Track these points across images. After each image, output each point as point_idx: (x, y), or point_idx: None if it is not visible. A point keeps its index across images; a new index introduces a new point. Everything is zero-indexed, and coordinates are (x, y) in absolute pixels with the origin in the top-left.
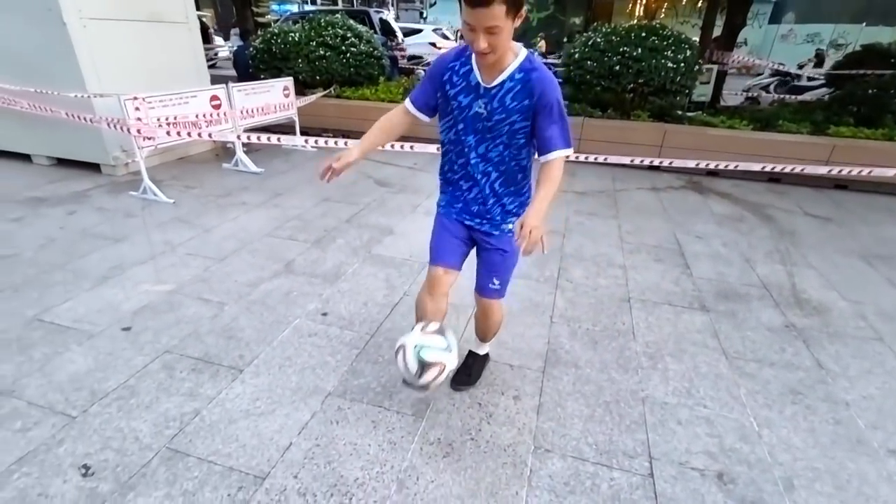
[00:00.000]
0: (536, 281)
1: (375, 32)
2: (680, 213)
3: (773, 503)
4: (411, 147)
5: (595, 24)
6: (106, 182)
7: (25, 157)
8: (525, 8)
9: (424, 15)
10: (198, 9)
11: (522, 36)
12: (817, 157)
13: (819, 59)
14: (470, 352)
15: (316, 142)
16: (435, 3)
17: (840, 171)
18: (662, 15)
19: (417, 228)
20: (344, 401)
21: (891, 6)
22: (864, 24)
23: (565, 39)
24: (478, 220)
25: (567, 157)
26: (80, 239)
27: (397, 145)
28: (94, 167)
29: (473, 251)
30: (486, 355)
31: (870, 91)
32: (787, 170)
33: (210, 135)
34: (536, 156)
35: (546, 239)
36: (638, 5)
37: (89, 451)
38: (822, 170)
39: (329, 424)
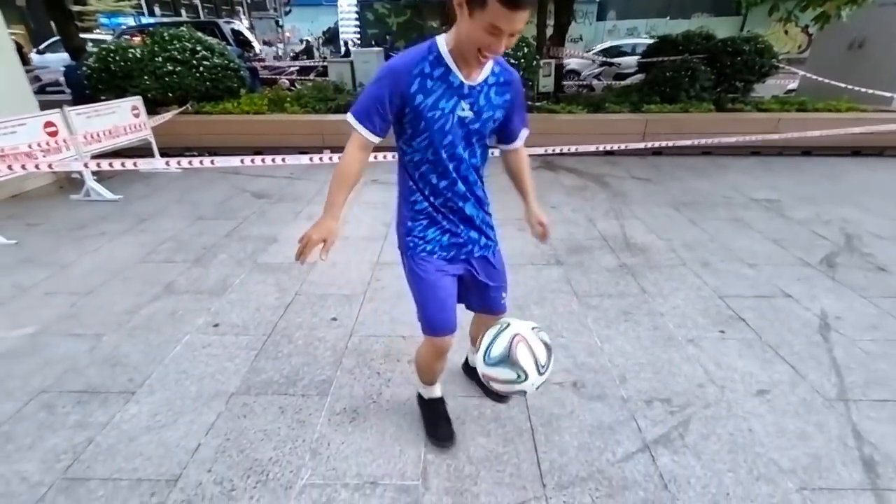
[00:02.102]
0: None
1: (229, 44)
2: (537, 189)
3: (612, 394)
4: (283, 160)
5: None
6: None
7: None
8: None
9: (280, 23)
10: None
11: (384, 39)
12: (636, 130)
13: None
14: (469, 367)
15: (179, 163)
16: (290, 10)
17: (653, 144)
18: None
19: (300, 234)
20: (249, 397)
21: (684, 2)
22: (668, 17)
23: None
24: (472, 246)
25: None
26: None
27: (268, 159)
28: None
29: None
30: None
31: (668, 74)
32: (616, 147)
33: (50, 165)
34: (497, 143)
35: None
36: None
37: None
38: (640, 144)
39: (236, 419)
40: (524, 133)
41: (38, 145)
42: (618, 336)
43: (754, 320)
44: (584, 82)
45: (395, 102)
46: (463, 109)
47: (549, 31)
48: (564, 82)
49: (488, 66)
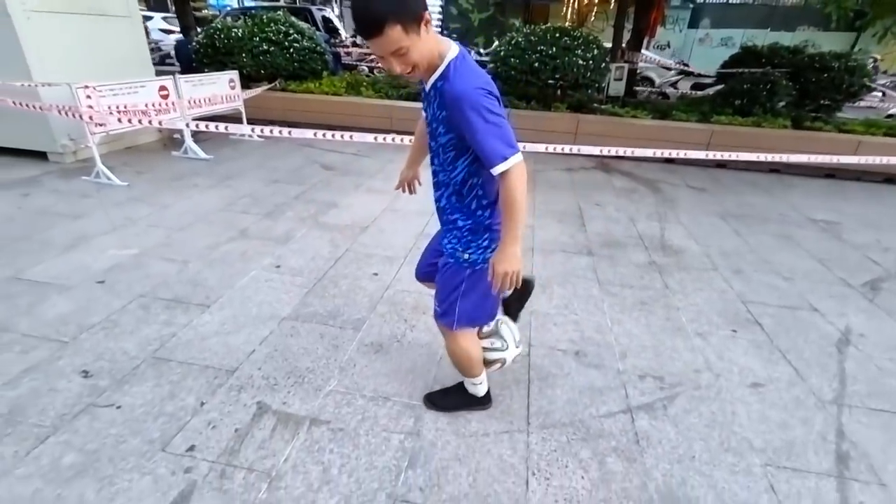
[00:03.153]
0: None
1: (318, 30)
2: (586, 188)
3: (610, 365)
4: (350, 137)
5: (518, 25)
6: (55, 169)
7: None
8: (428, 12)
9: None
10: None
11: (465, 34)
12: (700, 140)
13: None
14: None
15: (262, 131)
16: None
17: (714, 155)
18: (593, 18)
19: (359, 203)
20: (296, 322)
21: (789, 14)
22: (769, 28)
23: None
24: (443, 228)
25: (511, 166)
26: (39, 217)
27: (337, 135)
28: (40, 155)
29: None
30: (461, 386)
31: (745, 86)
32: (675, 154)
33: (160, 122)
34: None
35: (518, 275)
36: (570, 9)
37: (85, 362)
38: (702, 154)
39: (285, 337)
40: (496, 166)
41: (153, 105)
42: (629, 321)
43: (771, 326)
44: (659, 89)
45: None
46: (427, 113)
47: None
48: (637, 88)
49: (433, 78)
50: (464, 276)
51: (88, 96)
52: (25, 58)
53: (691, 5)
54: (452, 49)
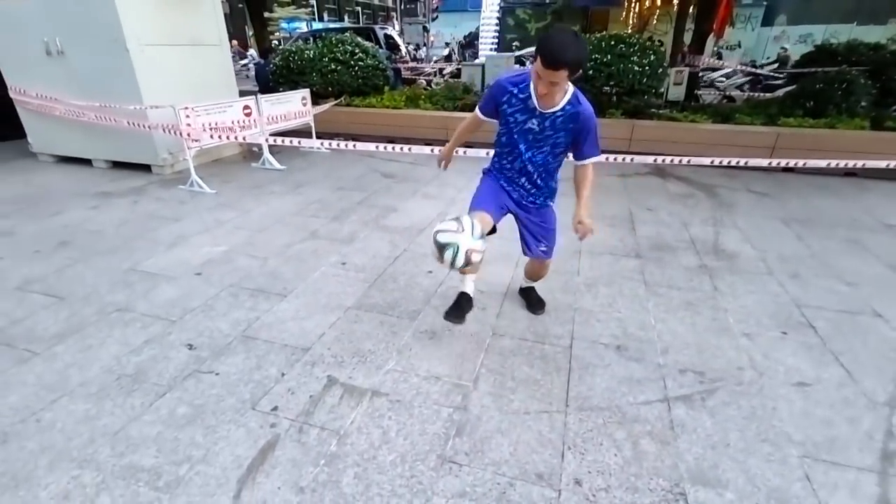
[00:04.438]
0: (507, 240)
1: (380, 47)
2: (639, 193)
3: (651, 360)
4: (409, 149)
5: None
6: (157, 179)
7: (87, 162)
8: (583, 67)
9: (427, 28)
10: None
11: (522, 41)
12: (764, 144)
13: (782, 61)
14: (523, 288)
15: (330, 144)
16: (437, 17)
17: (779, 162)
18: (655, 21)
19: (417, 207)
20: (360, 311)
21: (879, 5)
22: (855, 23)
23: None
24: (525, 195)
25: (597, 161)
26: (147, 219)
27: (397, 147)
28: (144, 168)
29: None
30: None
31: (818, 86)
32: (735, 162)
33: (244, 138)
34: (572, 158)
35: (593, 227)
36: (632, 14)
37: (190, 336)
38: (763, 162)
39: (350, 323)
40: (593, 159)
41: (238, 122)
42: (673, 320)
43: (825, 329)
44: (724, 92)
45: (495, 102)
46: (533, 124)
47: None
48: (700, 91)
49: (560, 104)
50: (554, 216)
51: (187, 116)
52: (138, 84)
53: (764, 2)
54: (571, 85)
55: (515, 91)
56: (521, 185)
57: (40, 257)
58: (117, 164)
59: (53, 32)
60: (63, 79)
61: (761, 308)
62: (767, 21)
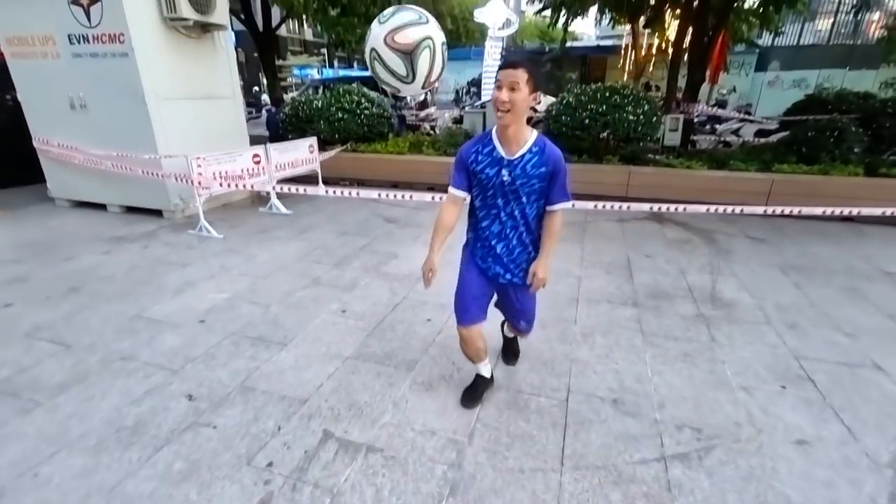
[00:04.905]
0: None
1: (386, 96)
2: (637, 239)
3: (646, 414)
4: (410, 197)
5: (570, 84)
6: (167, 224)
7: (102, 207)
8: (540, 94)
9: None
10: None
11: None
12: (759, 190)
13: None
14: (507, 337)
15: (335, 192)
16: None
17: (774, 211)
18: (651, 68)
19: (417, 254)
20: (357, 361)
21: (870, 50)
22: (848, 68)
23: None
24: (506, 272)
25: (566, 207)
26: (156, 265)
27: (399, 195)
28: (156, 213)
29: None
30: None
31: (810, 134)
32: (731, 210)
33: (252, 186)
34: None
35: (545, 278)
36: (628, 61)
37: (190, 387)
38: (759, 210)
39: (347, 374)
40: (561, 204)
41: (247, 170)
42: (670, 372)
43: (825, 383)
44: (720, 137)
45: (464, 170)
46: (505, 175)
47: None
48: (695, 137)
49: (526, 146)
50: (533, 295)
51: (199, 165)
52: (154, 135)
53: (757, 50)
54: (534, 130)
55: (479, 147)
56: (501, 255)
57: (50, 303)
58: (131, 209)
59: (79, 88)
60: (84, 130)
61: (759, 360)
62: (761, 67)
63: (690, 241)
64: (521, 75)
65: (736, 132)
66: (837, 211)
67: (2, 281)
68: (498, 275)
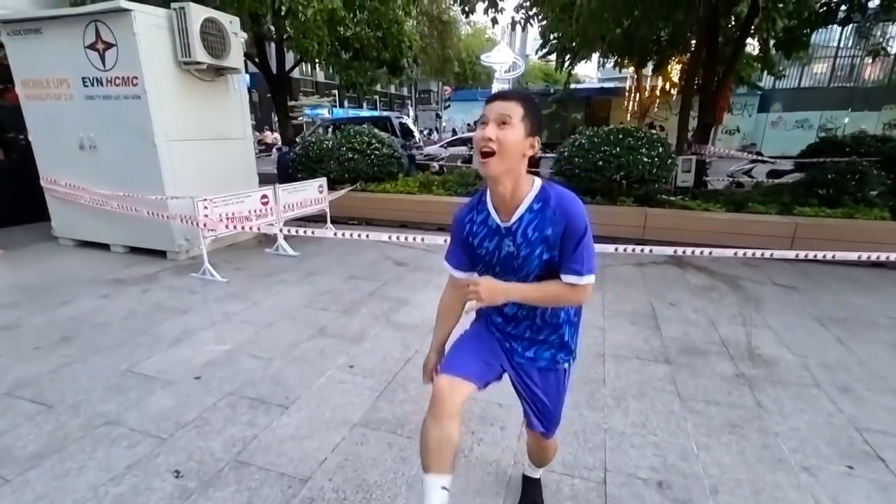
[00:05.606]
0: None
1: (396, 136)
2: (659, 285)
3: (699, 502)
4: (422, 239)
5: (580, 127)
6: (171, 266)
7: (105, 246)
8: (538, 140)
9: (439, 115)
10: None
11: None
12: (783, 234)
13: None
14: (526, 477)
15: (343, 234)
16: (449, 105)
17: (806, 255)
18: (656, 108)
19: (429, 300)
20: (366, 429)
21: (872, 92)
22: (850, 109)
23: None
24: (526, 350)
25: (588, 283)
26: (155, 311)
27: (409, 236)
28: (160, 254)
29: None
30: (540, 478)
31: (829, 176)
32: (758, 255)
33: (258, 228)
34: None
35: (486, 297)
36: (633, 103)
37: (178, 461)
38: (790, 254)
39: (355, 445)
40: (573, 278)
41: (254, 211)
42: (718, 446)
43: None
44: (732, 178)
45: (460, 243)
46: (509, 246)
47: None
48: (707, 177)
49: (524, 204)
50: (563, 384)
51: (205, 207)
52: (162, 176)
53: (759, 92)
54: (537, 179)
55: (473, 215)
56: (517, 336)
57: (39, 355)
58: (134, 250)
59: (89, 129)
60: (92, 170)
61: (816, 432)
62: (763, 108)
63: (716, 289)
64: (515, 109)
65: (748, 173)
66: (874, 256)
67: None
68: (514, 351)
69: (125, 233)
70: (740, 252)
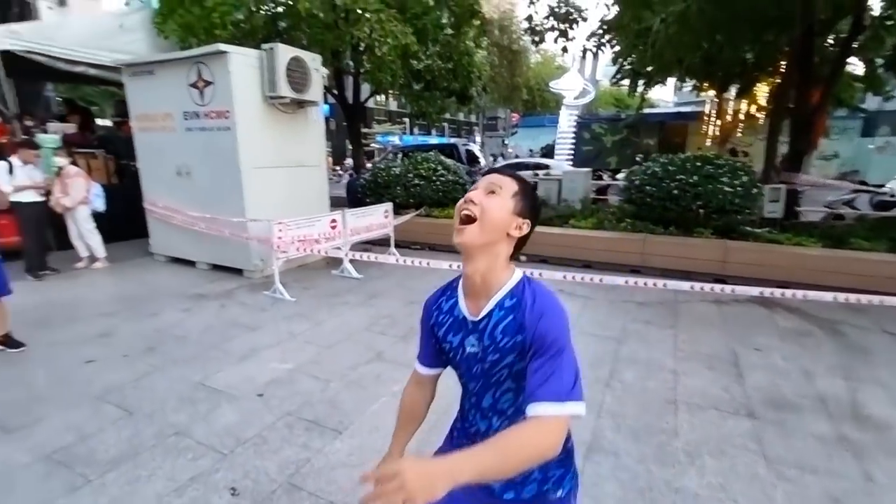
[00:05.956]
0: (587, 380)
1: (462, 162)
2: (741, 327)
3: None
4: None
5: (653, 154)
6: (246, 283)
7: (192, 263)
8: (528, 225)
9: (505, 141)
10: None
11: (598, 155)
12: (894, 275)
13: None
14: None
15: (405, 261)
16: (516, 132)
17: None
18: (739, 133)
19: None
20: None
21: None
22: None
23: (637, 158)
24: (504, 488)
25: (566, 414)
26: (228, 326)
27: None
28: (238, 271)
29: None
30: None
31: None
32: (864, 301)
33: (326, 251)
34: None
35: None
36: (712, 127)
37: (235, 477)
38: None
39: None
40: (549, 406)
41: (323, 234)
42: None
43: None
44: (831, 209)
45: (427, 332)
46: (472, 345)
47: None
48: (800, 208)
49: (496, 297)
50: None
51: (280, 230)
52: (244, 200)
53: (861, 115)
54: (518, 270)
55: (442, 301)
56: None
57: (126, 363)
58: (216, 267)
59: (186, 158)
60: (185, 194)
61: None
62: (867, 132)
63: (811, 335)
64: (508, 183)
65: (850, 203)
66: None
67: (93, 334)
68: (491, 491)
69: (209, 251)
70: (841, 296)
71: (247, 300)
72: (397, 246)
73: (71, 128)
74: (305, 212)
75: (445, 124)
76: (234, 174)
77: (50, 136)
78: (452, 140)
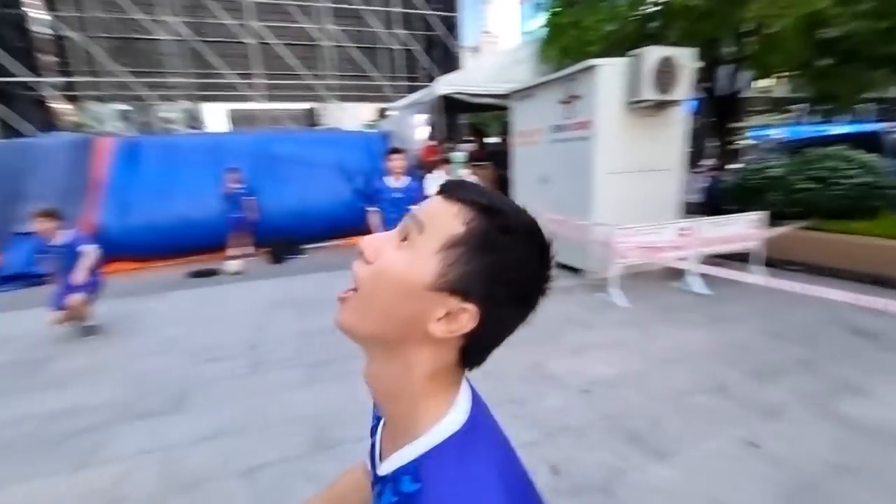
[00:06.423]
0: None
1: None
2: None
3: None
4: None
5: None
6: (583, 283)
7: None
8: (470, 310)
9: None
10: None
11: None
12: None
13: None
14: None
15: (773, 283)
16: None
17: None
18: None
19: None
20: None
21: None
22: None
23: None
24: None
25: None
26: (564, 321)
27: (886, 299)
28: (577, 270)
29: None
30: None
31: None
32: None
33: (670, 262)
34: None
35: None
36: None
37: (557, 459)
38: None
39: None
40: None
41: (669, 243)
42: None
43: None
44: None
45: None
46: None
47: None
48: None
49: (403, 454)
50: None
51: (622, 235)
52: (592, 204)
53: None
54: (458, 407)
55: (375, 422)
56: None
57: None
58: (559, 264)
59: (548, 167)
60: (544, 198)
61: None
62: None
63: None
64: (448, 220)
65: None
66: None
67: None
68: None
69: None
70: None
71: (583, 299)
72: (767, 264)
73: (472, 147)
74: (653, 217)
75: (866, 105)
76: (587, 180)
77: (459, 154)
78: (872, 127)
